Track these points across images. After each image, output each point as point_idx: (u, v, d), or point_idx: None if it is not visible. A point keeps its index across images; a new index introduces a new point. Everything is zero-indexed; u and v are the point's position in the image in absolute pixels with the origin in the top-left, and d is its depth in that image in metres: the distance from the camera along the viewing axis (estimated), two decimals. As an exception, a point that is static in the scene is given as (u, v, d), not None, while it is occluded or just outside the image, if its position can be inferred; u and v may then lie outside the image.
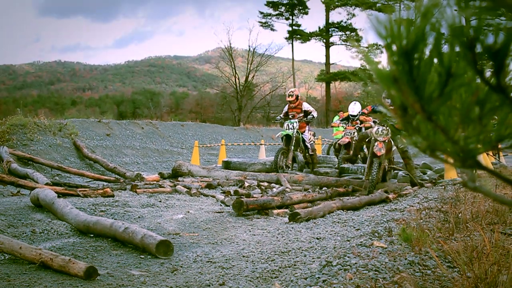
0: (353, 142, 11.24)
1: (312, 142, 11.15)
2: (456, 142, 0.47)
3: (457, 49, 0.44)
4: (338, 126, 12.76)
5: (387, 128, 7.57)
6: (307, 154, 10.87)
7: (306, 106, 10.82)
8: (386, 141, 7.71)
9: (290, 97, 10.68)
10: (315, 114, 10.69)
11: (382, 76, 0.46)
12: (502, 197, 0.56)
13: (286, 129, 10.46)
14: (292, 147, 10.36)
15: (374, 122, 8.04)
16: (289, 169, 10.32)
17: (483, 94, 0.46)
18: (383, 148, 7.63)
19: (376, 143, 7.71)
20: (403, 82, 0.45)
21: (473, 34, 0.42)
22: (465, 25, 0.42)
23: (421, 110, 0.46)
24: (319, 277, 2.70)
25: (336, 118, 16.17)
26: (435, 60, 0.45)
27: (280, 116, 11.04)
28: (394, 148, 8.19)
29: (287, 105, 10.91)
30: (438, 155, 0.50)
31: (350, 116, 11.67)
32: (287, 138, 10.43)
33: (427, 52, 0.45)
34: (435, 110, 0.46)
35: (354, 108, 11.66)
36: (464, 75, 0.45)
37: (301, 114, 10.66)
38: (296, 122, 10.38)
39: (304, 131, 10.77)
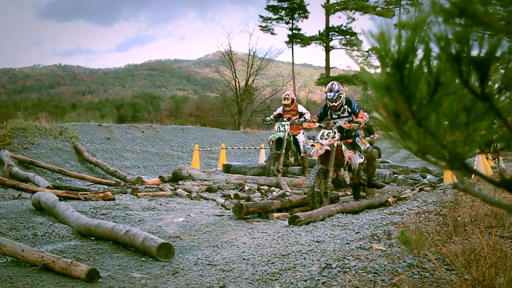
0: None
1: (305, 144, 10.97)
2: (445, 146, 0.51)
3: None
4: None
5: (334, 131, 6.68)
6: (298, 157, 10.68)
7: (300, 108, 10.70)
8: (335, 144, 6.65)
9: (286, 100, 10.58)
10: (307, 116, 10.45)
11: (376, 85, 0.50)
12: (491, 198, 0.59)
13: (277, 132, 10.27)
14: (283, 150, 10.17)
15: (320, 126, 7.01)
16: (280, 174, 10.11)
17: (470, 101, 0.49)
18: (321, 149, 6.61)
19: (314, 146, 6.91)
20: (395, 91, 0.49)
21: (458, 47, 0.46)
22: (452, 38, 0.46)
23: (412, 116, 0.50)
24: (318, 279, 2.73)
25: None
26: (425, 70, 0.49)
27: (270, 117, 10.86)
28: (350, 153, 7.00)
29: (282, 107, 10.78)
30: (428, 158, 0.54)
31: None
32: (279, 141, 10.25)
33: (417, 62, 0.49)
34: (425, 116, 0.50)
35: None
36: (452, 84, 0.49)
37: (297, 116, 10.52)
38: (288, 124, 10.23)
39: (298, 133, 10.65)
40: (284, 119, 10.54)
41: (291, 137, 10.45)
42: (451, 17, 0.44)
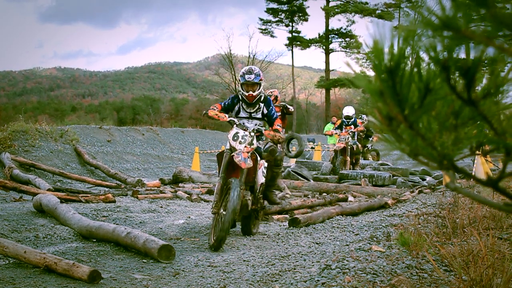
0: (348, 147, 11.41)
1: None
2: (435, 147, 0.54)
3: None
4: (332, 135, 12.83)
5: (252, 135, 4.78)
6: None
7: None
8: (250, 152, 4.73)
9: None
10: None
11: (370, 91, 0.54)
12: (479, 196, 0.63)
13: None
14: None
15: (231, 122, 4.94)
16: None
17: (458, 106, 0.53)
18: (249, 159, 4.63)
19: (237, 152, 4.69)
20: (388, 96, 0.52)
21: (446, 55, 0.50)
22: (441, 47, 0.50)
23: (404, 120, 0.54)
24: (318, 280, 2.76)
25: (328, 125, 16.27)
26: (416, 77, 0.53)
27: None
28: (261, 161, 5.08)
29: None
30: (420, 159, 0.58)
31: (344, 120, 11.97)
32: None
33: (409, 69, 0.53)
34: (416, 120, 0.54)
35: (349, 110, 12.03)
36: (441, 90, 0.52)
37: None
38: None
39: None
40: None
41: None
42: (438, 30, 0.47)
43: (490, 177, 0.58)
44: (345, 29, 43.97)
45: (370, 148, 14.50)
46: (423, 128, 0.54)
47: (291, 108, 10.02)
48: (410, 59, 0.53)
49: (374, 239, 3.82)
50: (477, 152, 0.64)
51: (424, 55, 0.53)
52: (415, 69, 0.53)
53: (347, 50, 43.99)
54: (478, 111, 0.52)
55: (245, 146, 4.72)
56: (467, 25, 0.45)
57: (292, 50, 45.38)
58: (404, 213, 5.56)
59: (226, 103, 5.26)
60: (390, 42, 0.51)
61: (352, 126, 11.85)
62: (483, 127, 0.61)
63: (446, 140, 0.55)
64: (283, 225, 5.68)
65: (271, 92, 10.03)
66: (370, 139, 14.03)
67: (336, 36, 44.42)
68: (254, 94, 5.09)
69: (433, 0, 0.50)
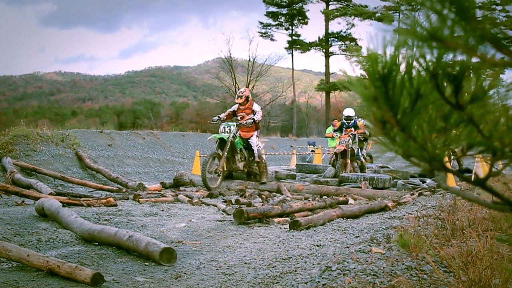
0: (349, 149, 11.42)
1: (259, 148, 10.14)
2: (425, 149, 0.58)
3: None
4: (333, 137, 12.82)
5: None
6: (252, 162, 10.00)
7: (255, 106, 9.90)
8: None
9: (239, 98, 9.82)
10: (256, 117, 9.65)
11: (365, 96, 0.57)
12: (471, 195, 0.67)
13: (221, 132, 9.50)
14: (226, 153, 9.35)
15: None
16: (220, 178, 9.38)
17: (447, 110, 0.57)
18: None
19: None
20: (381, 101, 0.56)
21: (435, 63, 0.53)
22: (430, 56, 0.54)
23: (396, 123, 0.57)
24: (319, 281, 2.79)
25: (330, 128, 16.22)
26: (408, 82, 0.57)
27: (218, 116, 9.96)
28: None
29: (237, 104, 10.03)
30: (412, 160, 0.61)
31: (344, 122, 11.92)
32: (221, 142, 9.45)
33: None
34: (407, 123, 0.57)
35: (350, 111, 11.96)
36: (430, 95, 0.56)
37: (251, 115, 9.75)
38: (234, 125, 9.46)
39: (251, 136, 9.90)
40: (238, 118, 9.86)
41: (241, 140, 9.80)
42: (426, 40, 0.51)
43: (478, 177, 0.61)
44: (344, 32, 44.12)
45: (365, 154, 14.32)
46: (415, 131, 0.58)
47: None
48: (403, 66, 0.57)
49: (374, 241, 3.85)
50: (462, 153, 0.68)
51: (415, 63, 0.56)
52: (406, 76, 0.56)
53: (347, 53, 44.09)
54: (465, 114, 0.56)
55: None
56: (452, 36, 0.48)
57: (292, 53, 45.51)
58: (404, 215, 5.59)
59: None
60: (383, 51, 0.55)
61: (353, 129, 11.83)
62: (473, 130, 0.64)
63: (436, 142, 0.59)
64: (284, 228, 5.70)
65: (242, 93, 9.95)
66: (366, 143, 13.97)
67: (336, 39, 44.56)
68: None
69: (424, 12, 0.53)
